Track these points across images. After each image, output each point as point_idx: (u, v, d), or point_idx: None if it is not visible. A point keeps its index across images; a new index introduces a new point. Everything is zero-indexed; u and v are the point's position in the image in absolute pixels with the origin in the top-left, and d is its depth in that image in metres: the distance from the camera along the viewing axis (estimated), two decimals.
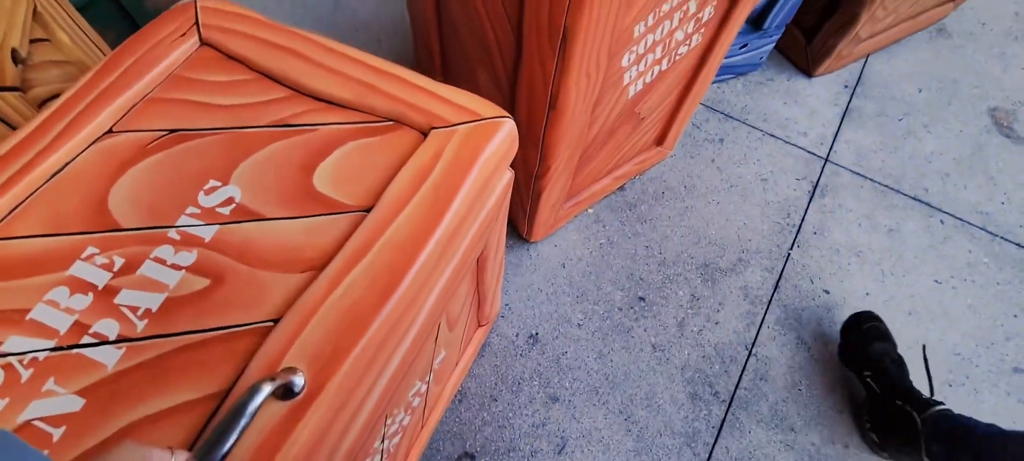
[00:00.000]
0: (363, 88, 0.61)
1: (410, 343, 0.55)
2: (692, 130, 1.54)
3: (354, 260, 0.51)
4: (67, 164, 0.60)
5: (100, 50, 1.04)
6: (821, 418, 1.20)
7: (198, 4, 0.70)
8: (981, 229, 1.43)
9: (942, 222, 1.44)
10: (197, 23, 0.68)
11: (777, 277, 1.35)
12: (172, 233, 0.55)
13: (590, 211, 1.41)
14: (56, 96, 0.95)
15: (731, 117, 1.58)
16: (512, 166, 1.10)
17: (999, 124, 1.60)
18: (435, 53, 1.11)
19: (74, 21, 0.99)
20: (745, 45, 1.45)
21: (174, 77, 0.66)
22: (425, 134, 0.59)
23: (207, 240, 0.55)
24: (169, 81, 0.66)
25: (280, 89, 0.64)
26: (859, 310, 1.25)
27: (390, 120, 0.60)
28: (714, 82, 1.60)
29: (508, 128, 0.58)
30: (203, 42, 0.68)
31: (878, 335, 1.19)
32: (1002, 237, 1.42)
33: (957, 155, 1.53)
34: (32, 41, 0.88)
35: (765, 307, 1.32)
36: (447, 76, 1.17)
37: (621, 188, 1.44)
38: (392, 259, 0.51)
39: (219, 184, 0.58)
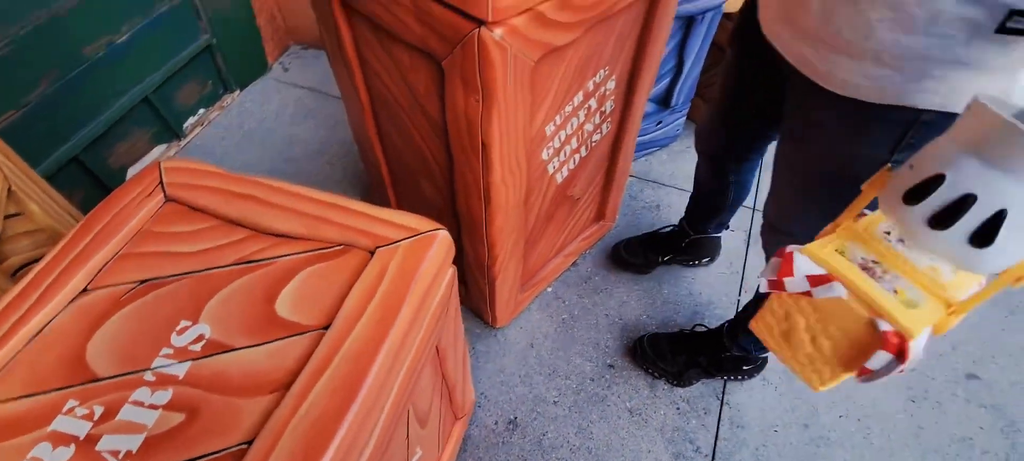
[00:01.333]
0: (314, 221, 0.70)
1: (375, 442, 0.60)
2: (629, 201, 1.68)
3: (316, 376, 0.57)
4: (46, 326, 0.65)
5: (69, 213, 1.12)
6: (802, 455, 1.24)
7: (162, 165, 0.79)
8: None
9: None
10: (161, 182, 0.77)
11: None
12: (148, 375, 0.60)
13: (549, 290, 1.49)
14: (30, 262, 1.01)
15: (662, 184, 1.73)
16: (467, 261, 1.19)
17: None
18: (382, 170, 1.23)
19: (43, 191, 1.07)
20: (660, 122, 1.63)
21: (143, 233, 0.74)
22: (372, 253, 0.67)
23: (181, 377, 0.60)
24: (138, 237, 0.74)
25: (241, 231, 0.72)
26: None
27: (340, 245, 0.69)
28: (641, 156, 1.77)
29: (442, 238, 0.68)
30: (168, 198, 0.76)
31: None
32: None
33: None
34: (5, 217, 0.95)
35: None
36: (396, 186, 1.28)
37: (574, 264, 1.54)
38: (349, 370, 0.57)
39: (190, 323, 0.64)
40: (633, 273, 1.52)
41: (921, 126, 0.62)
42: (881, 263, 0.53)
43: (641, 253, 1.48)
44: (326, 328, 0.62)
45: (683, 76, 1.49)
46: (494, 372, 1.36)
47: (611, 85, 1.01)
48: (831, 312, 0.53)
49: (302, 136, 1.91)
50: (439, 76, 0.79)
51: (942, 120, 0.61)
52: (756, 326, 0.62)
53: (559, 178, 1.08)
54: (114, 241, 0.72)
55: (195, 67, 1.86)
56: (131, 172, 1.75)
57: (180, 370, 0.61)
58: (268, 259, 0.69)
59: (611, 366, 1.38)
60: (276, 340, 0.62)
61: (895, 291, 0.51)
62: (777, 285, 0.55)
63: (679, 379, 1.32)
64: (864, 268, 0.52)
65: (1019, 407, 1.29)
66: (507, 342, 1.41)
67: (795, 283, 0.53)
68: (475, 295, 1.29)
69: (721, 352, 1.27)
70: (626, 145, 1.22)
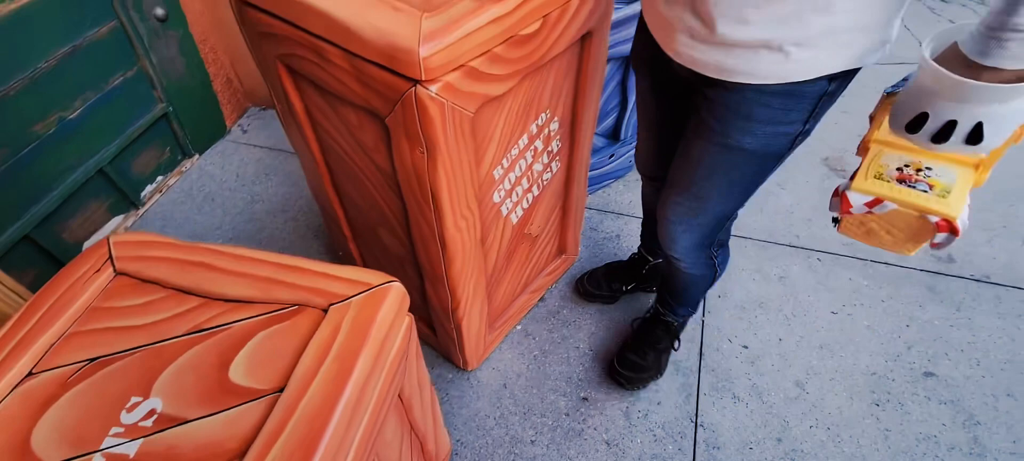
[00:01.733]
0: (267, 283, 0.70)
1: None
2: (590, 232, 1.72)
3: (271, 441, 0.57)
4: None
5: (18, 294, 1.09)
6: None
7: (111, 240, 0.79)
8: (852, 257, 1.64)
9: (820, 260, 1.64)
10: (110, 257, 0.77)
11: (699, 345, 1.47)
12: (97, 458, 0.59)
13: (518, 327, 1.50)
14: None
15: (622, 214, 1.78)
16: (432, 307, 1.19)
17: (834, 169, 1.90)
18: (342, 224, 1.24)
19: None
20: (612, 155, 1.69)
21: (92, 309, 0.73)
22: (325, 311, 0.68)
23: (132, 456, 0.59)
24: (87, 314, 0.73)
25: (193, 299, 0.72)
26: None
27: (294, 305, 0.69)
28: (598, 189, 1.82)
29: (395, 290, 0.69)
30: (118, 272, 0.76)
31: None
32: (871, 260, 1.63)
33: (812, 202, 1.79)
34: None
35: (697, 377, 1.42)
36: (357, 239, 1.29)
37: (542, 299, 1.56)
38: (305, 432, 0.57)
39: (140, 399, 0.63)
40: (600, 304, 1.55)
41: (827, 97, 0.74)
42: (913, 162, 0.68)
43: (605, 284, 1.51)
44: (281, 391, 0.62)
45: (628, 111, 1.56)
46: (469, 417, 1.35)
47: (555, 126, 1.06)
48: (892, 217, 0.68)
49: (264, 195, 1.91)
50: (385, 132, 0.82)
51: (840, 89, 0.75)
52: (843, 231, 0.75)
53: (514, 218, 1.11)
54: (61, 321, 0.71)
55: (152, 135, 1.86)
56: (87, 246, 1.71)
57: (131, 448, 0.59)
58: (221, 326, 0.69)
59: (585, 399, 1.38)
60: (230, 408, 0.62)
61: (929, 187, 0.66)
62: (846, 212, 0.71)
63: (661, 371, 1.39)
64: (901, 179, 0.67)
65: (975, 400, 1.34)
66: (480, 385, 1.40)
67: (857, 210, 0.70)
68: (444, 339, 1.29)
69: (670, 327, 1.37)
70: (577, 180, 1.27)
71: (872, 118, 0.75)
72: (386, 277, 0.71)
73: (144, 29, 1.73)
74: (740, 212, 1.05)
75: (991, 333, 1.44)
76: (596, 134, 1.63)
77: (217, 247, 0.76)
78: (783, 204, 1.79)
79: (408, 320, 0.74)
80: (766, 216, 1.75)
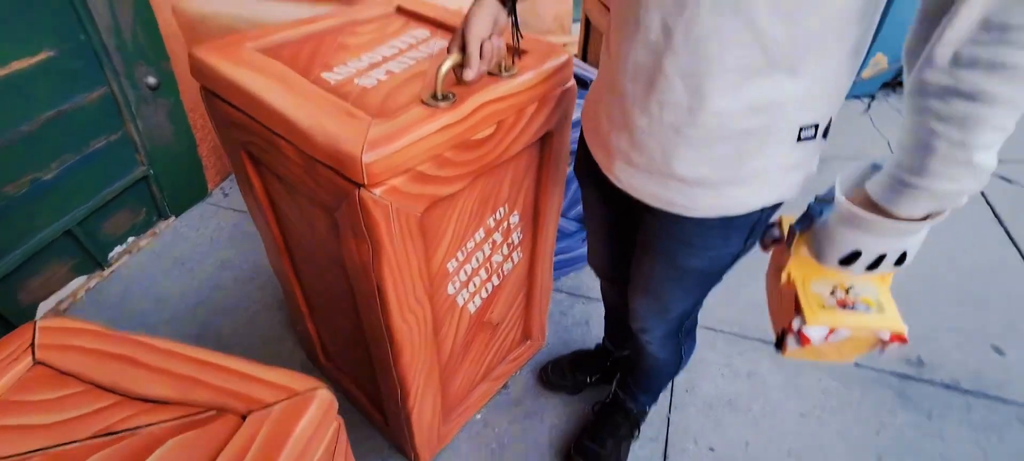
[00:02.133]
0: (186, 383, 0.68)
1: None
2: (559, 318, 1.70)
3: None
4: None
5: None
6: None
7: (37, 325, 0.76)
8: None
9: None
10: (33, 344, 0.74)
11: (664, 446, 1.41)
12: None
13: (478, 417, 1.45)
14: None
15: (592, 299, 1.76)
16: (382, 394, 1.15)
17: None
18: (300, 301, 1.22)
19: None
20: (585, 239, 1.70)
21: (1, 403, 0.69)
22: (244, 418, 0.65)
23: None
24: None
25: (109, 397, 0.68)
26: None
27: (212, 410, 0.66)
28: (569, 272, 1.82)
29: (321, 398, 0.66)
30: (37, 362, 0.73)
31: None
32: None
33: None
34: None
35: None
36: (313, 315, 1.27)
37: (505, 386, 1.51)
38: None
39: None
40: (565, 394, 1.50)
41: (760, 223, 0.78)
42: (837, 283, 0.72)
43: (570, 375, 1.47)
44: None
45: None
46: None
47: (515, 219, 1.07)
48: (845, 338, 0.72)
49: (235, 260, 1.89)
50: (336, 223, 0.81)
51: (772, 213, 0.78)
52: (791, 355, 0.77)
53: (471, 308, 1.10)
54: None
55: (128, 197, 1.86)
56: (42, 308, 1.66)
57: None
58: (132, 429, 0.65)
59: None
60: None
61: (867, 306, 0.71)
62: (805, 345, 0.73)
63: None
64: (841, 304, 0.72)
65: None
66: None
67: (817, 343, 0.72)
68: (396, 430, 1.24)
69: (630, 414, 1.34)
70: (541, 269, 1.26)
71: (780, 244, 0.77)
72: (313, 382, 0.68)
73: (133, 96, 1.76)
74: (710, 304, 1.07)
75: (963, 445, 1.40)
76: (568, 218, 1.64)
77: (144, 338, 0.74)
78: (754, 296, 1.77)
79: (335, 426, 0.71)
80: (735, 308, 1.74)
